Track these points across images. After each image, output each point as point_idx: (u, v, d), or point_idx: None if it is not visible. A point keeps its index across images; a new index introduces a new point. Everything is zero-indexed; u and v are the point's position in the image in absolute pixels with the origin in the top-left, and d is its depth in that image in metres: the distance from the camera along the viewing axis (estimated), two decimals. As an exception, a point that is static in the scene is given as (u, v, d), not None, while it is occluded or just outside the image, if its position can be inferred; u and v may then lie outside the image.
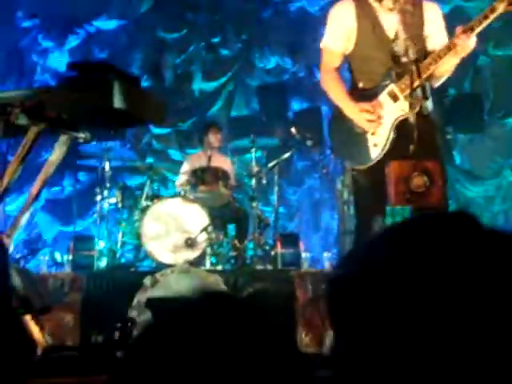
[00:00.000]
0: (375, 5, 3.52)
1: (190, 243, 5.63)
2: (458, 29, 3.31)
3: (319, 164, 6.87)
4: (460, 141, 8.51)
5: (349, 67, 3.67)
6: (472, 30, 3.29)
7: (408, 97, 3.38)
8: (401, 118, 3.42)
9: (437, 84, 3.59)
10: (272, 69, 8.66)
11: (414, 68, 3.29)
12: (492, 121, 8.53)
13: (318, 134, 7.86)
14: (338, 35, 3.58)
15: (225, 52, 8.64)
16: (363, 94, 3.52)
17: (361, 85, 3.55)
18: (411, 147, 3.20)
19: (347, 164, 3.65)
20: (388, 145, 3.43)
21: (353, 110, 3.47)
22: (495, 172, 8.54)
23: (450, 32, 3.50)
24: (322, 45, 3.67)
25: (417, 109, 3.32)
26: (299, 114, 8.48)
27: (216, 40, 8.61)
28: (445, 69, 3.47)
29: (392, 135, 3.43)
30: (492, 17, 3.30)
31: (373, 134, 3.47)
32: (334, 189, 6.73)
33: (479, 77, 8.58)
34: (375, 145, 3.46)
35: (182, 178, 6.48)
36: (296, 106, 8.59)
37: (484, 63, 8.58)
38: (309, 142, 6.30)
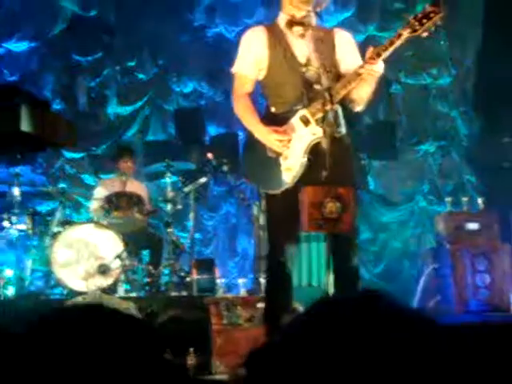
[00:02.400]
0: (286, 32, 3.56)
1: (103, 270, 5.52)
2: (367, 54, 3.36)
3: (235, 189, 6.86)
4: (374, 167, 8.67)
5: (263, 93, 3.67)
6: (378, 55, 3.34)
7: (320, 121, 3.40)
8: (313, 142, 3.43)
9: (358, 108, 3.61)
10: (189, 93, 8.63)
11: (326, 94, 3.32)
12: (405, 148, 8.73)
13: (234, 160, 7.87)
14: (250, 61, 3.59)
15: (141, 76, 8.56)
16: (275, 119, 3.52)
17: (273, 110, 3.55)
18: (324, 173, 3.20)
19: (260, 189, 3.61)
20: (301, 169, 3.43)
21: (263, 133, 3.46)
22: (408, 197, 8.73)
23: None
24: (233, 70, 3.67)
25: (329, 133, 3.34)
26: (216, 139, 8.47)
27: (132, 64, 8.52)
28: (360, 95, 3.50)
29: (305, 159, 3.43)
30: (398, 43, 3.35)
31: (285, 158, 3.46)
32: (251, 214, 6.73)
33: (392, 105, 8.78)
34: (288, 169, 3.45)
35: (95, 204, 6.36)
36: (213, 131, 8.58)
37: (397, 91, 8.80)
38: (225, 168, 6.28)
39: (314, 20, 3.47)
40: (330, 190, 3.20)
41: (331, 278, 3.36)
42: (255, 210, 6.59)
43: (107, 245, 5.65)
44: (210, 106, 8.61)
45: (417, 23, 3.30)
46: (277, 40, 3.54)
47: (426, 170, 8.82)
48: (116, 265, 5.57)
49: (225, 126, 8.60)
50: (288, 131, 3.45)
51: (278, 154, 3.48)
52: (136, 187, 6.54)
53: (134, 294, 5.68)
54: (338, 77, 3.48)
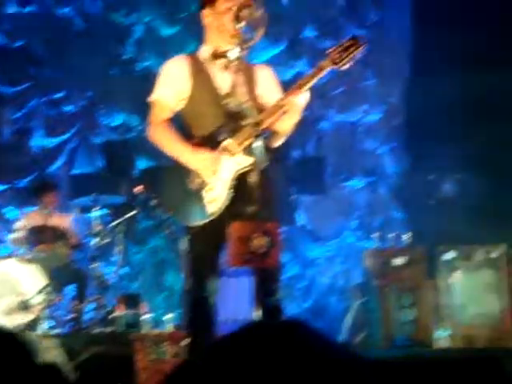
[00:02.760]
0: (209, 63, 3.55)
1: (25, 306, 5.35)
2: (291, 88, 3.37)
3: (164, 223, 6.76)
4: (303, 201, 8.72)
5: (183, 124, 3.61)
6: (300, 87, 3.35)
7: (245, 152, 3.38)
8: (239, 172, 3.40)
9: (277, 142, 3.59)
10: (118, 126, 8.53)
11: (250, 126, 3.31)
12: (333, 183, 8.83)
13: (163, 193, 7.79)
14: (170, 90, 3.54)
15: (68, 108, 8.42)
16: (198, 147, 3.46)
17: (195, 140, 3.50)
18: (252, 208, 3.18)
19: (182, 222, 3.51)
20: (226, 201, 3.39)
21: (189, 152, 3.39)
22: (336, 233, 8.80)
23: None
24: (152, 98, 3.60)
25: (253, 165, 3.33)
26: (145, 172, 8.38)
27: (59, 95, 8.38)
28: (282, 127, 3.49)
29: (230, 191, 3.40)
30: (319, 75, 3.36)
31: (209, 189, 3.41)
32: (179, 248, 6.63)
33: (322, 140, 8.88)
34: (213, 200, 3.41)
35: (16, 236, 6.18)
36: (142, 164, 8.49)
37: (326, 127, 8.92)
38: (154, 201, 6.19)
39: (238, 54, 3.44)
40: (258, 224, 3.18)
41: (258, 312, 3.33)
42: (183, 244, 6.51)
43: (29, 280, 5.49)
44: (139, 139, 8.53)
45: (337, 56, 3.33)
46: (199, 71, 3.52)
47: (354, 205, 8.93)
48: (38, 301, 5.40)
49: (154, 159, 8.52)
50: (214, 159, 3.41)
51: (202, 184, 3.41)
52: (61, 221, 6.41)
53: (56, 331, 5.52)
54: (260, 110, 3.46)
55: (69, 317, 5.84)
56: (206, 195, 3.41)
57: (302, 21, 8.97)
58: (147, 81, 8.39)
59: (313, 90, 9.23)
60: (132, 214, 6.21)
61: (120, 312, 5.84)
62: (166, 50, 8.61)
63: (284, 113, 3.37)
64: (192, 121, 3.56)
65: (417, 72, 8.87)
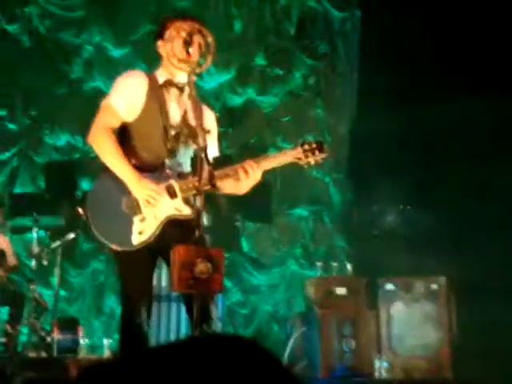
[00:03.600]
0: (163, 89, 3.51)
1: (-44, 328, 5.17)
2: (247, 161, 3.39)
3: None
4: (248, 228, 8.71)
5: (124, 137, 3.47)
6: (258, 164, 3.40)
7: (187, 201, 3.36)
8: (173, 217, 3.35)
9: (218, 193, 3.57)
10: (62, 146, 8.39)
11: (196, 180, 3.21)
12: (279, 211, 8.84)
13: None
14: (125, 100, 3.45)
15: (11, 126, 8.26)
16: (141, 170, 3.37)
17: (133, 161, 3.39)
18: (196, 233, 3.13)
19: (107, 242, 3.36)
20: (151, 238, 3.32)
21: (136, 179, 3.30)
22: (280, 260, 8.80)
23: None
24: (104, 102, 3.49)
25: (189, 217, 3.32)
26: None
27: (2, 113, 8.22)
28: (230, 190, 3.51)
29: (158, 231, 3.33)
30: (281, 160, 3.49)
31: (142, 220, 3.33)
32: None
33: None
34: (140, 233, 3.32)
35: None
36: (85, 185, 8.36)
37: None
38: (95, 224, 6.07)
39: (192, 81, 3.42)
40: (201, 249, 3.14)
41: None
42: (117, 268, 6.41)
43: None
44: (83, 161, 8.41)
45: (302, 154, 3.46)
46: (155, 93, 3.48)
47: (299, 233, 8.95)
48: (-30, 322, 5.23)
49: (98, 181, 8.41)
50: (157, 193, 3.34)
51: (135, 212, 3.33)
52: (-2, 240, 6.25)
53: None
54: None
55: (1, 340, 5.65)
56: (136, 224, 3.33)
57: (252, 48, 9.03)
58: (94, 101, 8.41)
59: (262, 115, 9.23)
60: (72, 236, 6.08)
61: (56, 336, 5.69)
62: (114, 71, 8.57)
63: (237, 179, 3.39)
64: (138, 139, 3.46)
65: (363, 104, 9.00)
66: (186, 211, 3.36)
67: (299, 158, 3.47)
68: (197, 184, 3.18)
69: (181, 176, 3.40)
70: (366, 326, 6.54)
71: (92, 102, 8.27)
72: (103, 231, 3.37)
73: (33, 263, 5.99)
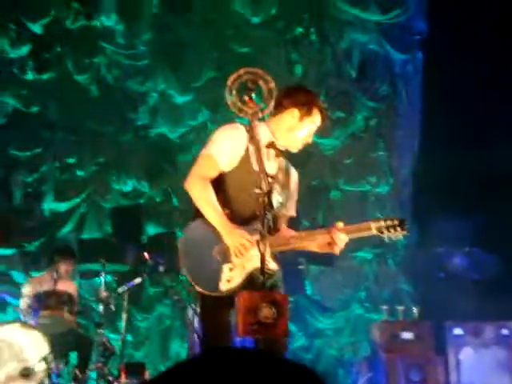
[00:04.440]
0: (262, 146, 3.60)
1: (26, 373, 5.26)
2: (338, 224, 3.56)
3: (171, 290, 6.71)
4: (312, 271, 8.67)
5: (219, 186, 3.60)
6: (348, 232, 3.55)
7: (271, 256, 3.48)
8: (258, 270, 3.46)
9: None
10: (128, 192, 8.57)
11: (289, 238, 3.51)
12: (342, 253, 8.77)
13: (171, 260, 7.76)
14: (226, 152, 3.57)
15: (80, 173, 8.49)
16: (235, 222, 3.50)
17: (232, 210, 3.53)
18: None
19: (196, 287, 3.48)
20: (239, 287, 3.42)
21: (229, 231, 3.43)
22: (344, 304, 8.71)
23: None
24: (205, 152, 3.60)
25: (274, 272, 3.52)
26: (153, 238, 8.37)
27: (71, 160, 8.46)
28: (309, 247, 3.65)
29: (244, 282, 3.44)
30: (364, 233, 3.59)
31: (230, 269, 3.45)
32: (185, 317, 6.58)
33: (331, 210, 8.88)
34: (228, 280, 3.44)
35: (23, 302, 6.12)
36: (151, 230, 8.49)
37: (335, 197, 8.92)
38: (161, 268, 6.17)
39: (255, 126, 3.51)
40: (266, 295, 3.16)
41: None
42: (190, 313, 6.45)
43: (32, 346, 5.41)
44: (149, 205, 8.56)
45: (384, 228, 3.55)
46: (253, 149, 3.54)
47: (362, 276, 8.86)
48: (40, 368, 5.31)
49: (163, 225, 8.54)
50: (250, 245, 3.43)
51: (225, 260, 3.44)
52: (67, 285, 6.36)
53: (58, 399, 5.41)
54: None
55: (71, 384, 5.73)
56: (226, 271, 3.45)
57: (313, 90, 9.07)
58: (160, 148, 8.61)
59: (324, 157, 9.22)
60: (139, 280, 6.15)
61: (123, 381, 5.73)
62: (178, 118, 8.75)
63: (328, 244, 3.56)
64: (231, 191, 3.59)
65: (426, 145, 8.94)
66: (273, 266, 3.51)
67: (381, 232, 3.57)
68: (286, 245, 3.50)
69: (270, 232, 3.45)
70: (434, 371, 6.40)
71: (157, 148, 8.58)
72: (194, 275, 3.47)
73: (100, 308, 6.07)
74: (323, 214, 8.86)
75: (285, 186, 3.69)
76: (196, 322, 6.46)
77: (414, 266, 8.78)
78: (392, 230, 3.55)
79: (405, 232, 3.57)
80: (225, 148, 3.59)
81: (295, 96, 3.74)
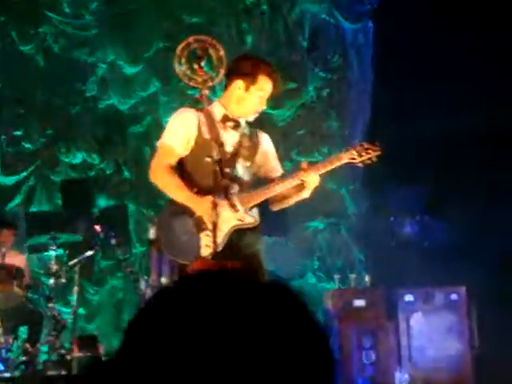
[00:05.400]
0: (218, 121, 3.69)
1: (-25, 348, 5.18)
2: (303, 164, 3.70)
3: (123, 263, 6.67)
4: (264, 243, 8.67)
5: (182, 168, 3.73)
6: (317, 169, 3.68)
7: (248, 210, 3.62)
8: (237, 227, 3.58)
9: (276, 208, 3.90)
10: (78, 164, 8.44)
11: (258, 190, 3.67)
12: (294, 224, 8.81)
13: (123, 233, 7.70)
14: (179, 137, 3.66)
15: (27, 145, 8.31)
16: (203, 194, 3.58)
17: (199, 186, 3.63)
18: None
19: (179, 259, 3.62)
20: (218, 248, 3.49)
21: (198, 202, 3.53)
22: (297, 274, 8.76)
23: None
24: (161, 142, 3.72)
25: (250, 225, 3.64)
26: (104, 211, 8.29)
27: (18, 133, 8.28)
28: (287, 199, 3.78)
29: (225, 241, 3.55)
30: (336, 164, 3.75)
31: (207, 235, 3.50)
32: (138, 289, 6.55)
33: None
34: (207, 245, 3.50)
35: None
36: (102, 202, 8.39)
37: (288, 168, 8.92)
38: (113, 241, 6.11)
39: (205, 95, 3.51)
40: (219, 263, 3.18)
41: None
42: (142, 285, 6.42)
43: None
44: (99, 178, 8.44)
45: (356, 154, 3.72)
46: (208, 125, 3.57)
47: (315, 246, 8.92)
48: (-11, 342, 5.24)
49: (114, 198, 8.45)
50: (218, 206, 3.50)
51: (202, 229, 3.51)
52: (16, 259, 6.27)
53: (7, 375, 5.33)
54: (254, 176, 3.82)
55: (21, 359, 5.64)
56: (204, 238, 3.52)
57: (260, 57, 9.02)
58: (110, 119, 8.48)
59: (276, 128, 9.20)
60: (91, 253, 6.09)
61: (76, 354, 5.69)
62: (128, 89, 8.63)
63: (299, 186, 3.67)
64: (192, 169, 3.68)
65: (378, 114, 8.99)
66: (249, 220, 3.62)
67: (353, 159, 3.71)
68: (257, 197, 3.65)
69: (240, 189, 3.67)
70: (385, 337, 6.49)
71: (107, 120, 8.45)
72: (175, 252, 3.63)
73: (51, 281, 5.99)
74: (276, 185, 8.87)
75: (252, 153, 3.75)
76: (148, 295, 6.43)
77: (365, 234, 8.87)
78: (364, 154, 3.71)
79: (377, 152, 3.73)
80: (177, 134, 3.69)
81: (238, 66, 3.74)
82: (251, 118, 3.79)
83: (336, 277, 7.72)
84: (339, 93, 9.30)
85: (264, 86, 3.67)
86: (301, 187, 3.66)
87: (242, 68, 3.71)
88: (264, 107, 3.76)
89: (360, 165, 3.74)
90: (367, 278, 7.53)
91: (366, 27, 9.37)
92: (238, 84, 3.70)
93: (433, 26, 8.01)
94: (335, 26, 9.31)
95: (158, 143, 3.75)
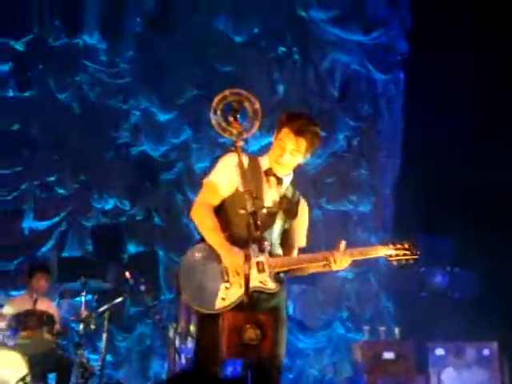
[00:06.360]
0: (263, 174, 3.71)
1: (5, 395, 5.19)
2: (340, 245, 3.62)
3: (152, 310, 6.67)
4: (293, 291, 8.64)
5: (220, 210, 3.70)
6: (351, 256, 3.61)
7: (272, 276, 3.55)
8: (256, 289, 3.50)
9: (295, 275, 3.83)
10: (109, 210, 8.51)
11: (288, 259, 3.62)
12: (324, 273, 8.75)
13: (152, 279, 7.72)
14: (225, 178, 3.68)
15: (60, 191, 8.42)
16: (233, 245, 3.56)
17: (232, 232, 3.60)
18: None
19: (195, 307, 3.55)
20: (233, 305, 3.46)
21: (228, 253, 3.51)
22: (326, 324, 8.68)
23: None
24: (207, 180, 3.73)
25: (271, 292, 3.56)
26: (134, 257, 8.32)
27: (52, 179, 8.39)
28: (309, 270, 3.72)
29: (240, 300, 3.45)
30: (371, 255, 3.67)
31: (226, 288, 3.50)
32: (166, 336, 6.55)
33: (313, 229, 8.86)
34: (223, 298, 3.48)
35: (1, 323, 6.03)
36: (132, 248, 8.44)
37: (317, 216, 8.92)
38: (142, 287, 6.12)
39: (240, 146, 3.53)
40: (250, 315, 3.15)
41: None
42: (171, 332, 6.41)
43: (11, 368, 5.35)
44: (129, 224, 8.51)
45: (394, 251, 3.67)
46: (245, 175, 3.57)
47: (344, 296, 8.84)
48: (19, 389, 5.24)
49: (144, 244, 8.49)
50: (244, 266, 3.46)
51: (224, 280, 3.50)
52: (47, 306, 6.30)
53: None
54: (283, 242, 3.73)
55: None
56: (222, 290, 3.50)
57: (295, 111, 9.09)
58: (141, 166, 8.57)
59: (306, 176, 9.18)
60: (120, 299, 6.10)
61: (103, 401, 5.66)
62: (160, 136, 8.74)
63: (326, 265, 3.61)
64: (230, 215, 3.67)
65: (406, 165, 8.99)
66: (271, 285, 3.55)
67: (390, 256, 3.66)
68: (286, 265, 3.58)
69: (270, 253, 3.60)
70: (416, 392, 6.39)
71: (138, 166, 8.54)
72: (190, 295, 3.54)
73: (80, 327, 6.00)
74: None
75: (290, 214, 3.74)
76: (177, 342, 6.42)
77: (395, 285, 8.78)
78: (401, 255, 3.65)
79: (416, 257, 3.64)
80: (224, 174, 3.69)
81: (279, 119, 3.77)
82: (280, 174, 3.74)
83: (365, 328, 7.64)
84: (369, 142, 9.32)
85: (283, 137, 3.68)
86: (329, 264, 3.62)
87: (279, 120, 3.77)
88: (283, 159, 3.68)
89: (394, 263, 3.67)
90: (396, 330, 7.45)
91: (396, 77, 9.42)
92: (273, 137, 3.76)
93: (463, 74, 8.03)
94: (366, 76, 9.37)
95: (205, 181, 3.76)
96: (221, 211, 3.70)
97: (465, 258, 8.14)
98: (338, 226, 8.93)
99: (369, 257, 3.67)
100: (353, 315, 8.77)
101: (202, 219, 3.63)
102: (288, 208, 3.71)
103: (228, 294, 3.49)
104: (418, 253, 3.67)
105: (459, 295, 8.10)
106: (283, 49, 9.19)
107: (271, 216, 3.66)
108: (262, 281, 3.52)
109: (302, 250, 3.82)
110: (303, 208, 3.87)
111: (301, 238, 3.86)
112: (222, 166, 3.73)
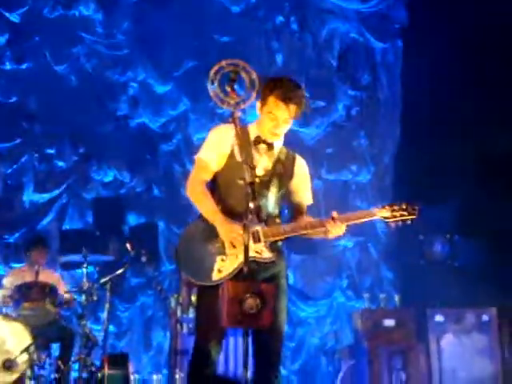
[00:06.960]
0: (252, 143, 3.69)
1: (9, 365, 5.26)
2: (333, 213, 3.60)
3: (153, 281, 6.72)
4: (293, 261, 8.69)
5: (213, 184, 3.74)
6: (347, 221, 3.62)
7: (267, 245, 3.56)
8: (252, 259, 3.49)
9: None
10: (109, 182, 8.53)
11: (283, 227, 3.59)
12: (324, 242, 8.80)
13: (153, 250, 7.76)
14: (214, 153, 3.70)
15: (60, 164, 8.42)
16: (230, 216, 3.58)
17: (219, 207, 3.62)
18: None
19: (192, 280, 3.57)
20: (229, 276, 3.48)
21: (223, 222, 3.54)
22: (326, 292, 8.74)
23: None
24: (196, 157, 3.75)
25: (268, 261, 3.55)
26: (135, 229, 8.35)
27: (51, 151, 8.39)
28: (308, 235, 3.72)
29: (236, 271, 3.49)
30: (366, 219, 3.69)
31: (222, 260, 3.52)
32: (167, 307, 6.60)
33: (312, 199, 8.88)
34: (220, 270, 3.51)
35: (3, 293, 6.08)
36: (132, 220, 8.47)
37: (317, 187, 8.94)
38: (143, 258, 6.15)
39: (238, 116, 3.52)
40: (251, 285, 3.17)
41: (248, 373, 3.29)
42: (172, 303, 6.46)
43: (15, 338, 5.41)
44: (130, 196, 8.52)
45: (390, 213, 3.68)
46: (242, 145, 3.57)
47: (344, 265, 8.89)
48: (22, 359, 5.30)
49: (145, 216, 8.51)
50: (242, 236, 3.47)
51: (220, 253, 3.53)
52: (49, 277, 6.35)
53: (40, 391, 5.40)
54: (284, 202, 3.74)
55: (53, 376, 5.71)
56: (218, 262, 3.53)
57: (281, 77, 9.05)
58: (140, 138, 8.56)
59: (305, 147, 9.17)
60: (121, 271, 6.13)
61: (106, 371, 5.72)
62: (159, 107, 8.72)
63: (324, 232, 3.62)
64: (223, 188, 3.69)
65: (406, 134, 8.97)
66: (266, 254, 3.56)
67: (386, 218, 3.67)
68: (281, 233, 3.56)
69: (267, 222, 3.60)
70: (416, 358, 6.46)
71: (138, 138, 8.53)
72: (189, 269, 3.57)
73: (83, 298, 6.05)
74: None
75: (285, 177, 3.73)
76: (179, 312, 6.48)
77: (395, 253, 8.83)
78: (398, 215, 3.66)
79: (413, 216, 3.64)
80: (212, 149, 3.71)
81: (261, 88, 3.74)
82: (271, 141, 3.74)
83: (365, 296, 7.69)
84: (369, 111, 9.31)
85: (272, 108, 3.66)
86: (326, 231, 3.63)
87: (262, 89, 3.75)
88: (279, 129, 3.69)
89: (392, 224, 3.68)
90: (396, 298, 7.50)
91: (395, 46, 9.37)
92: (257, 105, 3.74)
93: (461, 43, 7.98)
94: (364, 45, 9.33)
95: (195, 157, 3.79)
96: (217, 182, 3.72)
97: (464, 226, 8.17)
98: (337, 195, 8.94)
99: (365, 220, 3.67)
100: (353, 284, 8.82)
101: (197, 196, 3.66)
102: (282, 172, 3.71)
103: (224, 266, 3.51)
104: (415, 211, 3.67)
105: (459, 263, 8.13)
106: (281, 18, 9.13)
107: (264, 184, 3.66)
108: (257, 251, 3.54)
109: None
110: (300, 165, 3.85)
111: (306, 197, 3.86)
112: (210, 139, 3.75)
